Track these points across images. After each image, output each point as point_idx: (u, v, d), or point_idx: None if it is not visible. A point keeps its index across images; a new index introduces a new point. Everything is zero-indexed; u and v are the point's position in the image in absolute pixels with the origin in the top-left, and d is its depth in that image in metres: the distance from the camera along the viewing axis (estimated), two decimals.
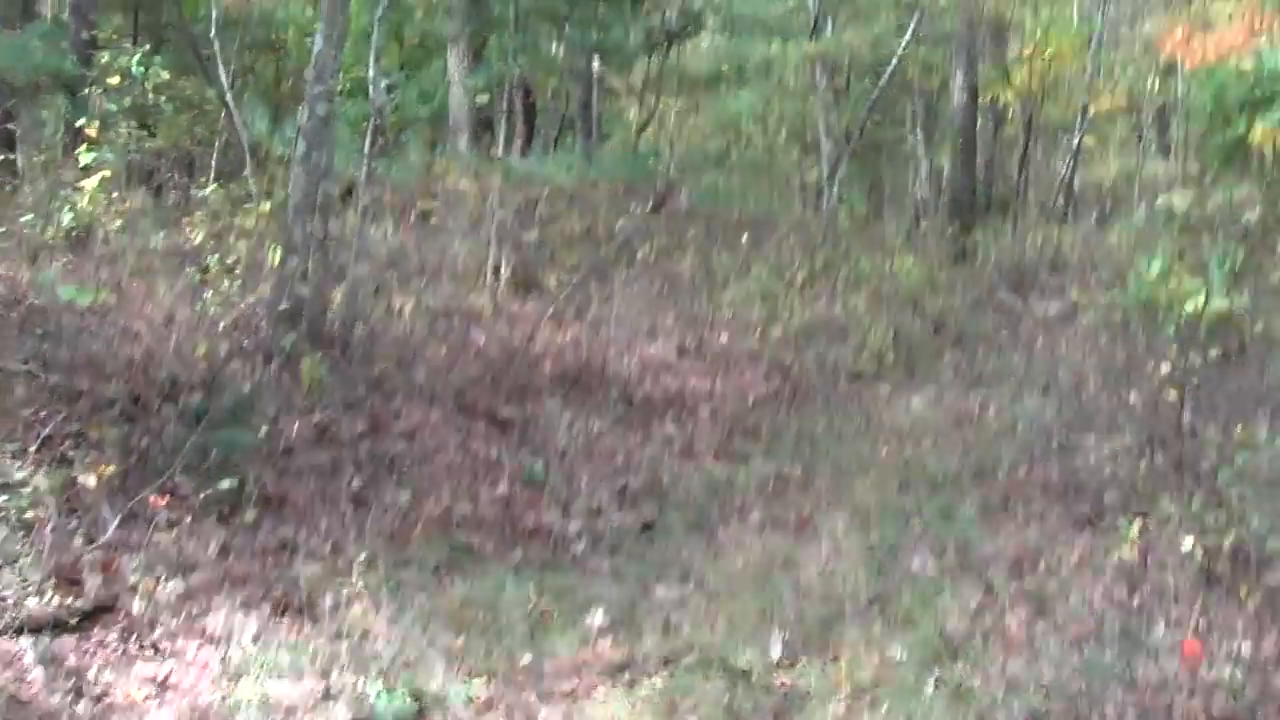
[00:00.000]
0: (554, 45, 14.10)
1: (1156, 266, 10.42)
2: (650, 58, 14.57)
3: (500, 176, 11.93)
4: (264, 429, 6.39)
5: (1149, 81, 22.01)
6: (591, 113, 19.51)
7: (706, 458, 9.02)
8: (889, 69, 17.05)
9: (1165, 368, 8.92)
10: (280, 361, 7.35)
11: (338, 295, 9.03)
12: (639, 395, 10.10)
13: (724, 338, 11.91)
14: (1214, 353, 9.28)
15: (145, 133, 17.68)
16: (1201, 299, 9.91)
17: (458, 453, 7.57)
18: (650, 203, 10.69)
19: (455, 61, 13.78)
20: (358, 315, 8.95)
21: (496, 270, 12.18)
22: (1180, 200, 11.41)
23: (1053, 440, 8.93)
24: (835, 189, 17.26)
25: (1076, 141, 19.28)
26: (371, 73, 9.34)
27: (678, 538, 7.08)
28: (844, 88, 19.71)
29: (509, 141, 12.27)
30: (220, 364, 7.03)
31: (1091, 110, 19.14)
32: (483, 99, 13.29)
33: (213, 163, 18.57)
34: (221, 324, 7.73)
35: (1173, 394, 8.35)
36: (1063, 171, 20.47)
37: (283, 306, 8.02)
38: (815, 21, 19.01)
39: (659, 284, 12.91)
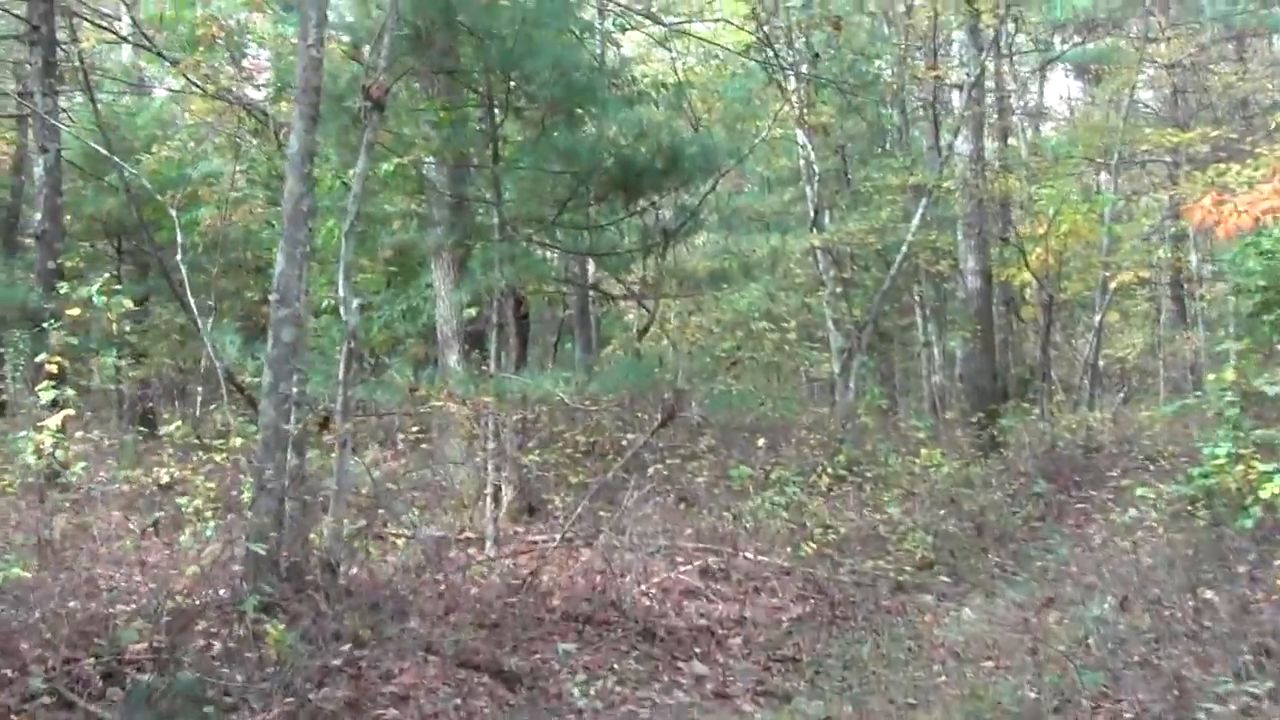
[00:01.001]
0: (544, 252, 13.40)
1: (1224, 450, 9.49)
2: (647, 259, 13.86)
3: (493, 394, 11.06)
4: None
5: (1165, 253, 21.46)
6: (589, 319, 18.85)
7: (743, 699, 7.92)
8: (900, 256, 16.39)
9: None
10: (248, 624, 6.33)
11: (321, 536, 8.10)
12: (661, 628, 9.02)
13: (750, 554, 10.88)
14: None
15: (127, 364, 17.01)
16: (1277, 483, 8.99)
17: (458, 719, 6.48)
18: (660, 415, 9.79)
19: (440, 274, 13.09)
20: (342, 558, 7.96)
21: (496, 496, 11.24)
22: (1231, 374, 10.53)
23: (1134, 656, 7.86)
24: (851, 383, 16.42)
25: (1099, 318, 18.51)
26: (342, 291, 8.51)
27: None
28: (852, 279, 19.06)
29: (501, 356, 11.43)
30: (176, 631, 6.00)
31: (1113, 285, 18.45)
32: (470, 313, 12.56)
33: (199, 393, 17.83)
34: (180, 581, 6.70)
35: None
36: (1085, 350, 19.65)
37: (262, 551, 7.07)
38: (815, 212, 18.48)
39: (674, 501, 11.93)
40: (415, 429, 13.14)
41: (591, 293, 18.01)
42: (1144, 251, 20.29)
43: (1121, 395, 21.61)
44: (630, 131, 11.87)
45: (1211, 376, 10.98)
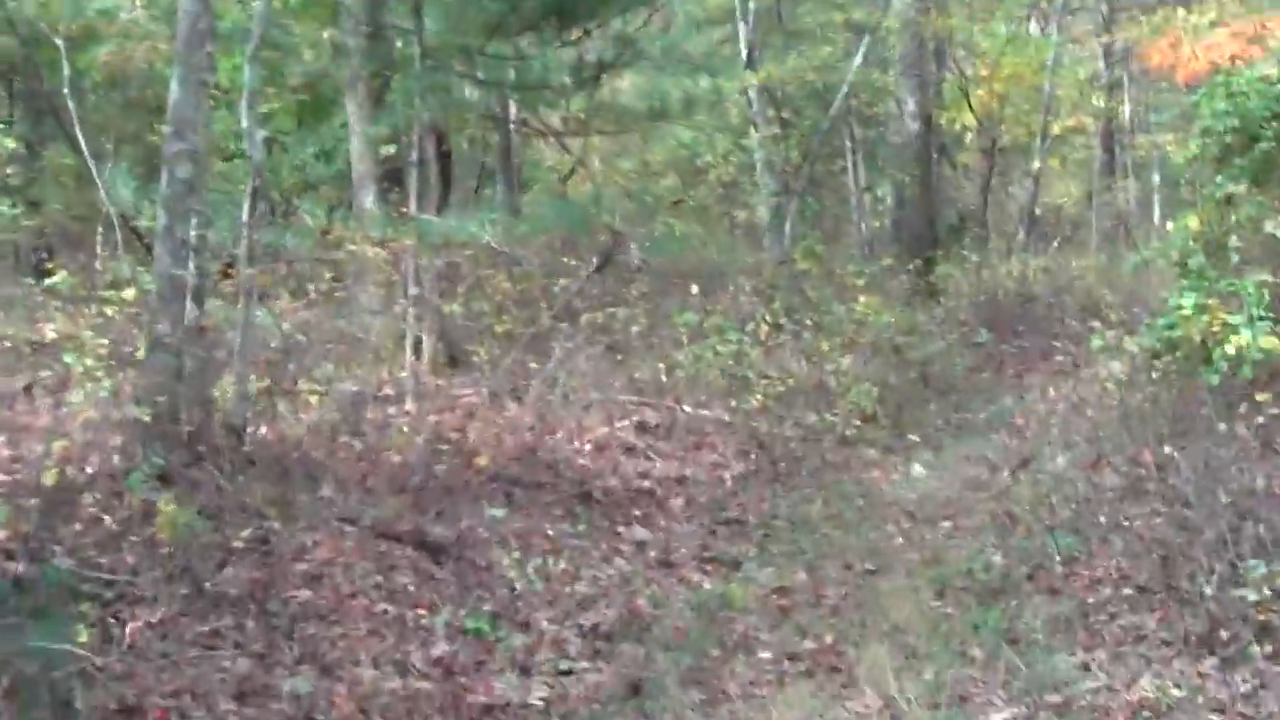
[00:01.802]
0: (467, 85, 12.40)
1: (1190, 301, 8.94)
2: (574, 97, 12.93)
3: (413, 237, 10.22)
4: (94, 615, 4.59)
5: (1099, 101, 20.84)
6: (512, 161, 17.87)
7: (689, 568, 7.35)
8: (838, 97, 15.60)
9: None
10: (136, 500, 5.59)
11: (224, 396, 7.34)
12: (598, 489, 8.40)
13: (689, 408, 10.28)
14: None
15: (21, 212, 15.88)
16: (1245, 336, 8.47)
17: (379, 598, 5.82)
18: (597, 258, 9.04)
19: (355, 109, 12.11)
20: (247, 420, 7.22)
21: (417, 348, 10.48)
22: (1195, 222, 9.97)
23: (1101, 517, 7.40)
24: (787, 228, 15.73)
25: (1037, 165, 17.90)
26: (245, 123, 7.61)
27: (674, 700, 5.36)
28: (789, 120, 18.22)
29: (422, 198, 10.56)
30: (53, 510, 5.25)
31: (1055, 131, 17.84)
32: (388, 150, 11.64)
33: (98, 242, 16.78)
34: (60, 451, 5.91)
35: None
36: (1023, 198, 19.08)
37: (145, 417, 6.31)
38: (750, 53, 17.56)
39: (608, 351, 11.25)
40: (329, 276, 12.26)
41: (516, 133, 16.98)
42: (1081, 99, 19.64)
43: (1056, 244, 21.14)
44: None
45: (1170, 225, 10.43)
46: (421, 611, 5.79)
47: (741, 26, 18.03)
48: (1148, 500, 7.40)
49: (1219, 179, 9.71)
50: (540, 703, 5.22)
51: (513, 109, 16.06)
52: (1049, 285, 17.21)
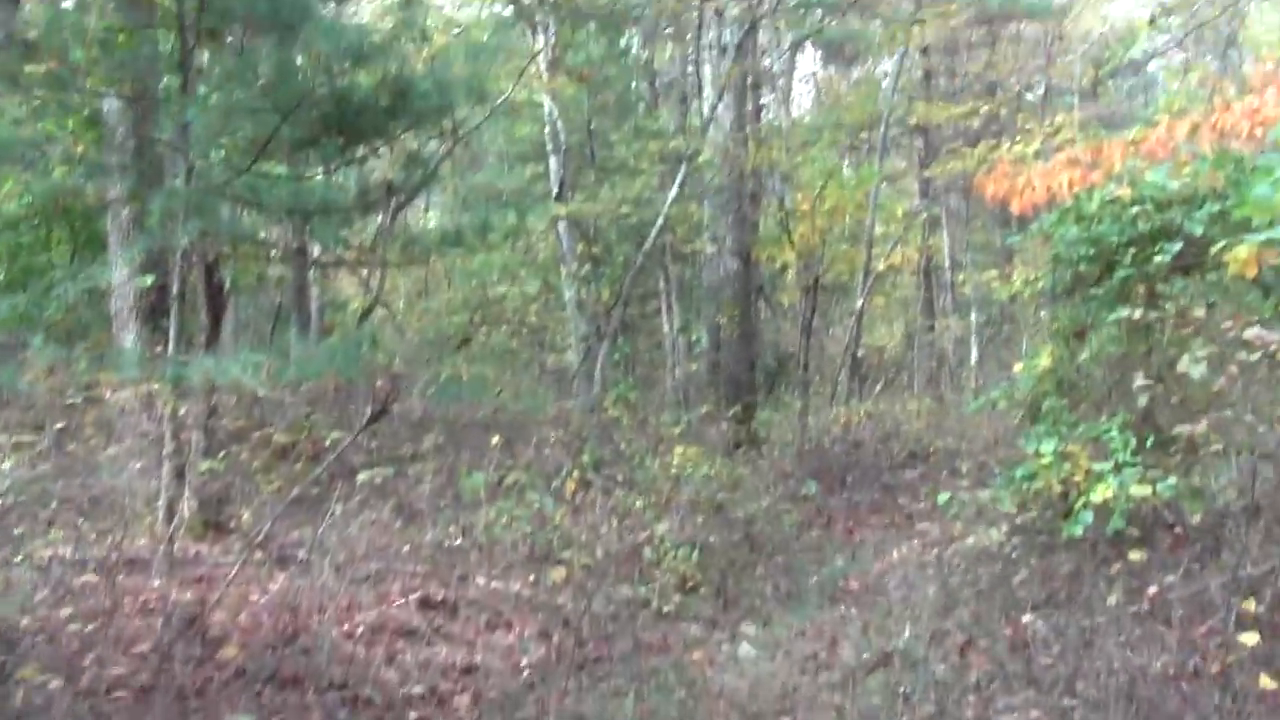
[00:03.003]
0: (241, 208, 10.96)
1: (1050, 446, 7.99)
2: (366, 219, 11.58)
3: (168, 380, 8.71)
4: None
5: (918, 238, 20.44)
6: (308, 298, 16.39)
7: None
8: (655, 230, 14.57)
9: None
10: None
11: None
12: (368, 685, 6.89)
13: (482, 580, 8.84)
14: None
15: None
16: (1112, 484, 7.54)
17: None
18: (371, 406, 7.63)
19: (116, 232, 10.69)
20: None
21: (171, 508, 8.93)
22: (1047, 360, 9.09)
23: (968, 710, 6.23)
24: (597, 372, 14.51)
25: (860, 304, 17.13)
26: None
27: None
28: (600, 256, 17.15)
29: (185, 336, 9.09)
30: None
31: (880, 266, 17.15)
32: (144, 282, 10.17)
33: None
34: None
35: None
36: (845, 339, 18.29)
37: None
38: (560, 186, 16.54)
39: (391, 512, 9.76)
40: (68, 423, 10.57)
41: (311, 264, 15.45)
42: (904, 235, 19.14)
43: (879, 386, 20.43)
44: (347, 56, 9.56)
45: (1018, 365, 9.53)
46: None
47: (552, 160, 17.12)
48: (1020, 687, 6.28)
49: (1064, 311, 8.95)
50: None
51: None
52: (876, 430, 16.41)
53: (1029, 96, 26.09)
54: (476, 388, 11.44)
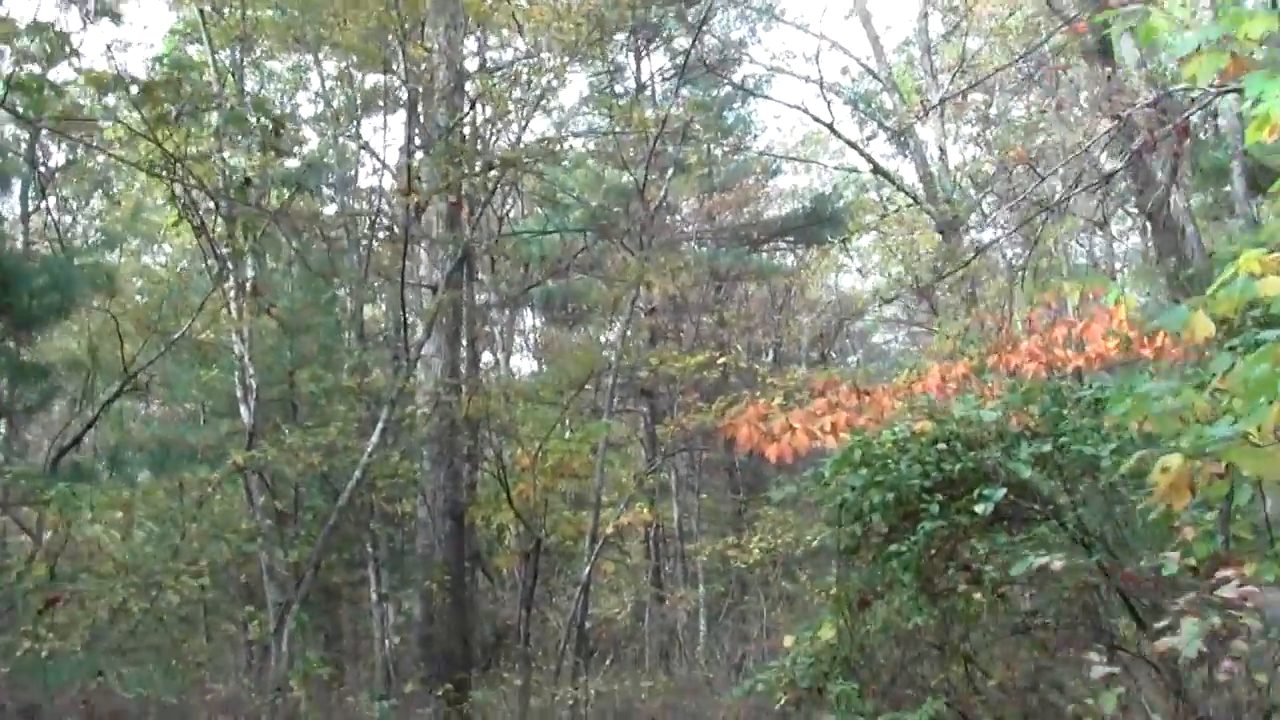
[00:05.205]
0: None
1: None
2: None
3: None
4: None
5: (645, 504, 19.16)
6: None
7: None
8: (352, 482, 12.77)
9: None
10: None
11: None
12: None
13: None
14: None
15: None
16: None
17: None
18: None
19: None
20: None
21: None
22: (828, 631, 7.67)
23: None
24: (285, 645, 12.39)
25: (587, 571, 15.55)
26: None
27: None
28: (290, 513, 15.13)
29: None
30: None
31: (606, 530, 15.67)
32: None
33: None
34: None
35: None
36: (571, 609, 16.58)
37: None
38: (251, 435, 14.63)
39: None
40: None
41: None
42: (635, 494, 17.84)
43: (609, 661, 18.71)
44: None
45: (789, 640, 8.07)
46: None
47: (243, 409, 15.23)
48: None
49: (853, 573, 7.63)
50: None
51: None
52: (608, 712, 14.69)
53: (756, 366, 25.76)
54: (75, 669, 9.15)
